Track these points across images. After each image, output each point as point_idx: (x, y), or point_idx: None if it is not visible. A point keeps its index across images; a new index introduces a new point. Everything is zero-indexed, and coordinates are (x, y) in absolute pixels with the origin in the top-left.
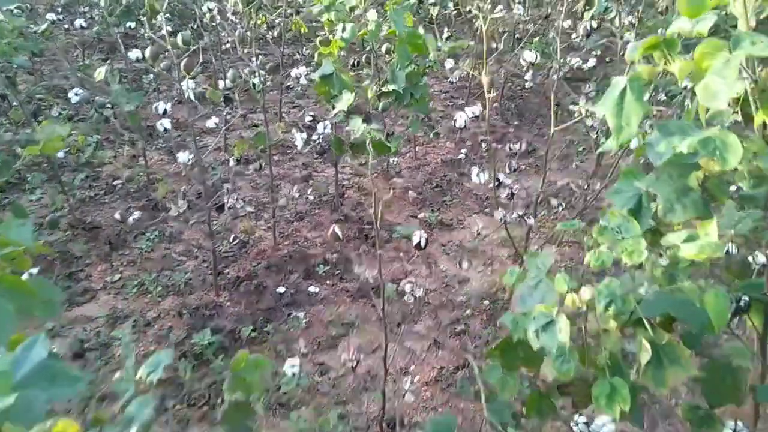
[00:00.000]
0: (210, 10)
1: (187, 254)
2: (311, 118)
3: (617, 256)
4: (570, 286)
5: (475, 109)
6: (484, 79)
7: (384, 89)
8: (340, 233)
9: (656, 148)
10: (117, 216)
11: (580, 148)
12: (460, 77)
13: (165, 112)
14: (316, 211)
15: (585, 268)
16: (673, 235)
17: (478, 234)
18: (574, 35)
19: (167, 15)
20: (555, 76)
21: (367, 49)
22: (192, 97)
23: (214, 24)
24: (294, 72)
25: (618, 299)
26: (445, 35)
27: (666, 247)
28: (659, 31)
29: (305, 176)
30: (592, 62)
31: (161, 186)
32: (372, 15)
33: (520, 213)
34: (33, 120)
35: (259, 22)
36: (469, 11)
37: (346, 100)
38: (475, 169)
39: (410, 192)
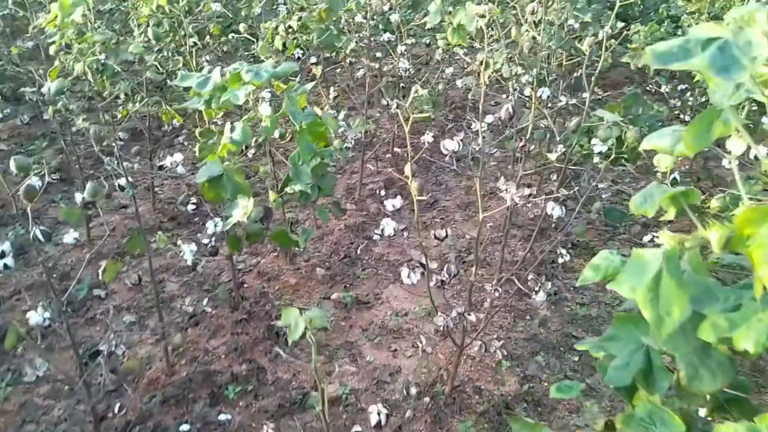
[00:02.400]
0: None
1: (55, 395)
2: (194, 206)
3: None
4: None
5: (395, 202)
6: (413, 186)
7: (288, 189)
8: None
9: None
10: None
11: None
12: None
13: (3, 254)
14: (212, 311)
15: None
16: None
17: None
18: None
19: None
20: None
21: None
22: (40, 237)
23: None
24: (169, 160)
25: None
26: (332, 94)
27: None
28: None
29: (192, 264)
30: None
31: (10, 333)
32: (265, 110)
33: (459, 311)
34: None
35: (119, 115)
36: (351, 63)
37: (244, 208)
38: (404, 270)
39: (318, 269)
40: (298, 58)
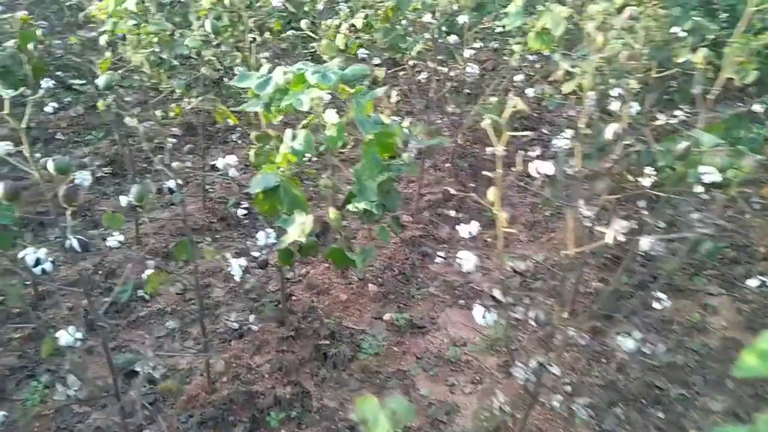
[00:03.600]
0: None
1: (93, 402)
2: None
3: None
4: None
5: (472, 228)
6: (501, 217)
7: (352, 207)
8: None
9: None
10: None
11: (548, 213)
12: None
13: (38, 262)
14: (258, 324)
15: None
16: None
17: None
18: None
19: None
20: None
21: (323, 151)
22: (77, 247)
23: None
24: (221, 162)
25: None
26: (393, 98)
27: None
28: None
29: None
30: None
31: (47, 343)
32: (332, 117)
33: (540, 361)
34: None
35: (172, 114)
36: (412, 66)
37: (301, 225)
38: (477, 309)
39: (370, 285)
40: (363, 59)
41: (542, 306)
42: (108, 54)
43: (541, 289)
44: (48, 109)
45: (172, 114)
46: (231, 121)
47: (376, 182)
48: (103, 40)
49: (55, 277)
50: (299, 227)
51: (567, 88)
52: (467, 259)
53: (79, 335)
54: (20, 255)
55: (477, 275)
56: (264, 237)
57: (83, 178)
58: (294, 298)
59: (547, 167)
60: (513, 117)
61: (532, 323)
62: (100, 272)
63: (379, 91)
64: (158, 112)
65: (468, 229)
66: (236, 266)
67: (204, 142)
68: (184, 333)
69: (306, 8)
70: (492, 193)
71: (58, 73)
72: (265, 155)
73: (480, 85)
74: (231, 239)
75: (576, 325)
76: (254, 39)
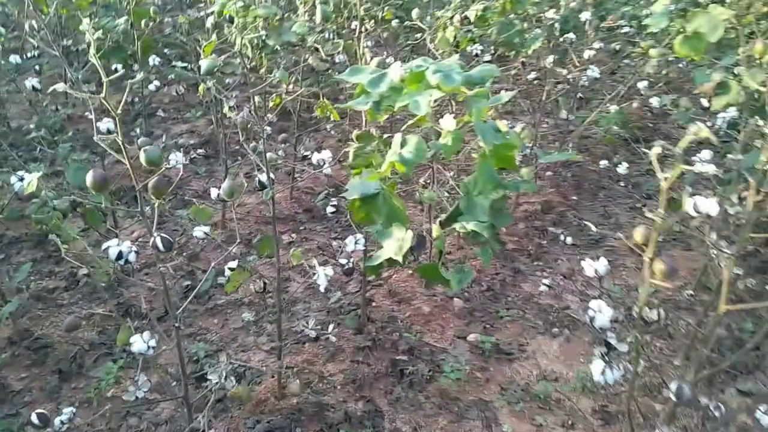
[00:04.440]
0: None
1: (163, 389)
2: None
3: None
4: None
5: (600, 265)
6: (657, 267)
7: (459, 227)
8: None
9: None
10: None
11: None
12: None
13: (120, 255)
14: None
15: None
16: None
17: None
18: None
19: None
20: None
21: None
22: (160, 246)
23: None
24: (315, 157)
25: None
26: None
27: None
28: None
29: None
30: None
31: (123, 333)
32: (448, 123)
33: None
34: None
35: (271, 103)
36: (524, 64)
37: (398, 241)
38: (598, 365)
39: (455, 299)
40: (475, 55)
41: (687, 384)
42: (213, 37)
43: (655, 332)
44: (151, 87)
45: (271, 104)
46: (332, 116)
47: (489, 200)
48: (209, 22)
49: (141, 255)
50: (397, 244)
51: (718, 103)
52: (601, 311)
53: (152, 342)
54: (104, 246)
55: (572, 298)
56: (353, 243)
57: (177, 160)
58: (374, 304)
59: (709, 205)
60: (627, 124)
61: (672, 395)
62: (184, 254)
63: (505, 95)
64: (257, 98)
65: (595, 267)
66: (322, 276)
67: (297, 129)
68: (259, 327)
69: None
70: (643, 235)
71: (165, 50)
72: (364, 157)
73: (596, 90)
74: (315, 232)
75: (672, 358)
76: (363, 27)
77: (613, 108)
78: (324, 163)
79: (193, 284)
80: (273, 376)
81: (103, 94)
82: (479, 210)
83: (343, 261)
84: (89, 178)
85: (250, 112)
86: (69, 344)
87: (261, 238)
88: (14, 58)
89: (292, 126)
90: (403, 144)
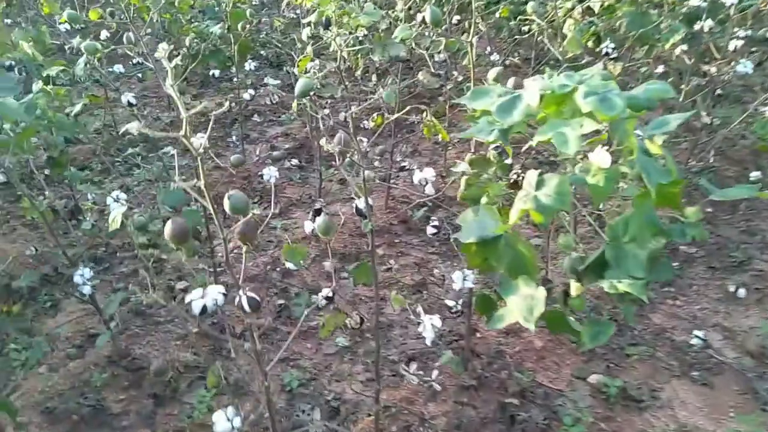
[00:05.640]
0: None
1: (254, 422)
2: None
3: None
4: None
5: None
6: None
7: (608, 288)
8: None
9: None
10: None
11: None
12: None
13: (204, 310)
14: (436, 357)
15: None
16: None
17: None
18: None
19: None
20: None
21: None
22: (246, 305)
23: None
24: (417, 176)
25: None
26: None
27: None
28: None
29: (419, 283)
30: None
31: (210, 375)
32: (603, 158)
33: None
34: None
35: (373, 122)
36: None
37: (528, 302)
38: None
39: None
40: (606, 54)
41: None
42: (309, 50)
43: None
44: (246, 96)
45: (372, 124)
46: (441, 137)
47: (646, 250)
48: (305, 34)
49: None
50: (525, 303)
51: None
52: None
53: (237, 422)
54: (187, 299)
55: (718, 337)
56: (461, 279)
57: (270, 174)
58: (479, 335)
59: None
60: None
61: None
62: (277, 269)
63: (674, 119)
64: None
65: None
66: (429, 328)
67: (395, 136)
68: (354, 354)
69: None
70: None
71: (262, 52)
72: (479, 186)
73: (739, 85)
74: (412, 246)
75: None
76: (477, 28)
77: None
78: (426, 183)
79: (287, 303)
80: (369, 415)
81: (182, 132)
82: (633, 263)
83: (450, 302)
84: (168, 230)
85: (347, 132)
86: (164, 366)
87: (358, 266)
88: (117, 68)
89: (386, 129)
90: (539, 185)
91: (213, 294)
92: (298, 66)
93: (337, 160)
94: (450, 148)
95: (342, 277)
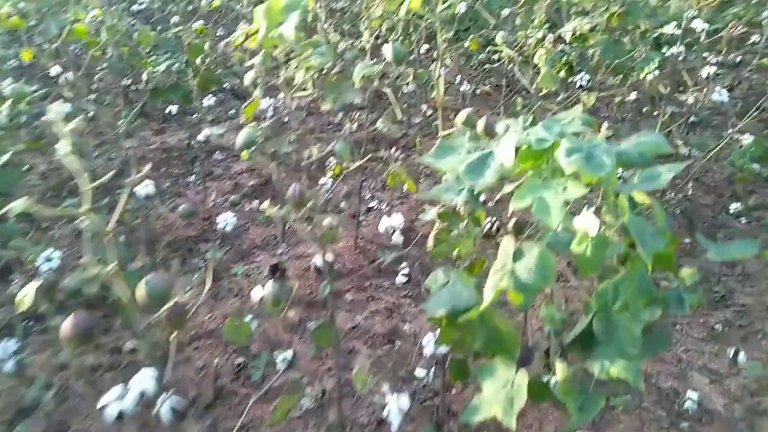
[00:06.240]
0: None
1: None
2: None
3: None
4: None
5: None
6: None
7: (599, 372)
8: None
9: None
10: None
11: None
12: None
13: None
14: (409, 418)
15: None
16: None
17: None
18: None
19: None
20: None
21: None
22: (165, 418)
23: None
24: (384, 224)
25: None
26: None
27: None
28: None
29: (390, 331)
30: None
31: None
32: (590, 223)
33: None
34: None
35: (329, 173)
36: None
37: (507, 391)
38: None
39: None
40: (581, 86)
41: None
42: (257, 93)
43: None
44: (200, 138)
45: (330, 174)
46: (406, 187)
47: (640, 323)
48: (248, 79)
49: (193, 325)
50: (504, 393)
51: None
52: None
53: None
54: (100, 403)
55: (705, 380)
56: (432, 345)
57: (227, 221)
58: (454, 391)
59: None
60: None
61: None
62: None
63: (666, 172)
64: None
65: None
66: (395, 412)
67: (362, 174)
68: (319, 418)
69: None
70: None
71: (225, 84)
72: (450, 243)
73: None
74: (383, 289)
75: None
76: (443, 62)
77: (746, 138)
78: (394, 231)
79: (246, 361)
80: None
81: (84, 208)
82: (625, 337)
83: (420, 372)
84: (63, 328)
85: (302, 184)
86: None
87: (318, 327)
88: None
89: (358, 179)
90: (517, 256)
91: (135, 392)
92: (244, 112)
93: (292, 214)
94: (422, 180)
95: (306, 330)
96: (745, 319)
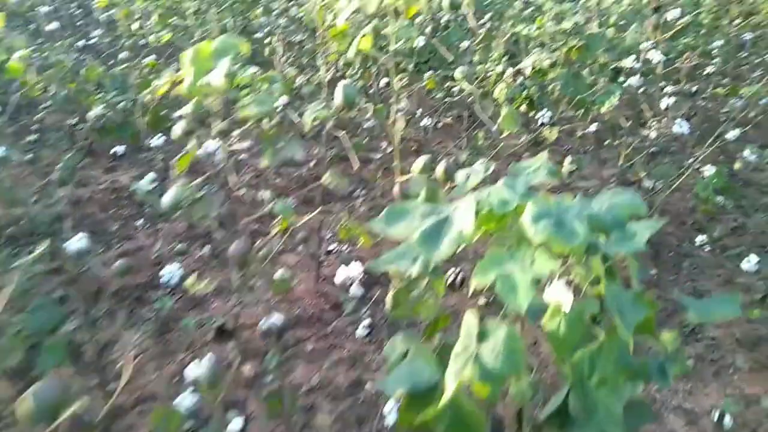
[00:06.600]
0: None
1: None
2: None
3: None
4: None
5: None
6: None
7: None
8: None
9: None
10: None
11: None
12: None
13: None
14: None
15: None
16: None
17: None
18: None
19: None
20: None
21: None
22: None
23: None
24: (341, 275)
25: None
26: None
27: None
28: None
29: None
30: None
31: None
32: (563, 296)
33: None
34: None
35: (275, 230)
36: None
37: None
38: None
39: None
40: (542, 124)
41: None
42: (191, 145)
43: None
44: (143, 184)
45: (278, 228)
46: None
47: (622, 400)
48: (178, 130)
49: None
50: None
51: None
52: None
53: None
54: None
55: (681, 422)
56: (393, 414)
57: (172, 274)
58: None
59: None
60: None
61: None
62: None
63: (642, 232)
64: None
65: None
66: None
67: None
68: None
69: (444, 47)
70: None
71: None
72: (409, 306)
73: (679, 142)
74: (345, 335)
75: None
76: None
77: (707, 168)
78: (352, 283)
79: (197, 425)
80: None
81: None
82: (606, 417)
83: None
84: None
85: (244, 242)
86: None
87: (269, 395)
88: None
89: (315, 195)
90: (482, 337)
91: None
92: (177, 166)
93: (235, 271)
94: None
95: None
96: (716, 353)
